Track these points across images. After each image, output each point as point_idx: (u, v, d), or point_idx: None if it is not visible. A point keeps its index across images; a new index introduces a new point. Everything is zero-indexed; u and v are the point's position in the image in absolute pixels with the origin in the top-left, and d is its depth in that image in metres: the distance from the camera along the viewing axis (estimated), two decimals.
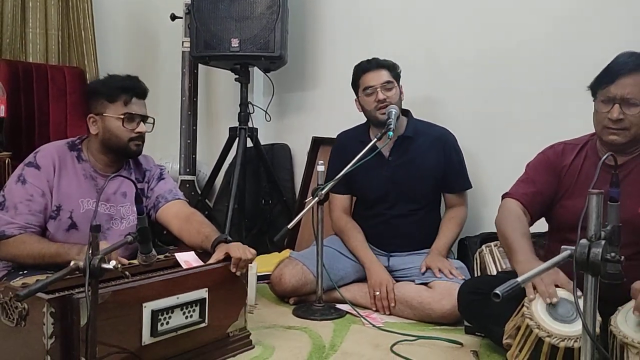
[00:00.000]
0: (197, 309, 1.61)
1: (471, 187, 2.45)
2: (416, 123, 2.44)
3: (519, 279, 1.03)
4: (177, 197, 2.02)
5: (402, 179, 2.37)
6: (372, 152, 2.15)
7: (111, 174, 1.91)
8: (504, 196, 1.92)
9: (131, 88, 1.89)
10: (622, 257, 1.12)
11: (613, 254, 1.10)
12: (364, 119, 2.52)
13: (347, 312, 2.20)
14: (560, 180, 1.83)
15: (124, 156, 1.95)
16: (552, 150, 1.88)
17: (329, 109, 3.14)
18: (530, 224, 1.85)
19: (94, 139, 1.91)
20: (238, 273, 1.72)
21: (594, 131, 1.78)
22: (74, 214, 1.85)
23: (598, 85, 1.69)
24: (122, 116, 1.86)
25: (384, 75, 2.33)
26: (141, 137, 1.92)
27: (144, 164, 2.05)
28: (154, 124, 1.96)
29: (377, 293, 2.21)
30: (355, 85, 2.41)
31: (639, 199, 1.64)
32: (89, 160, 1.92)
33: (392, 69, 2.37)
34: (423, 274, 2.21)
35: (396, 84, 2.36)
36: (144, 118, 1.91)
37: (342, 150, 2.45)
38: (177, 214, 1.96)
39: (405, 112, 2.45)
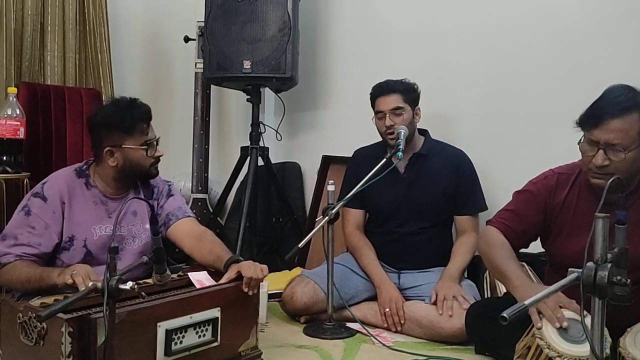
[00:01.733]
0: (210, 328, 1.62)
1: (486, 208, 2.44)
2: (432, 142, 2.48)
3: (526, 302, 1.05)
4: (187, 215, 2.03)
5: (415, 195, 2.40)
6: (384, 170, 2.18)
7: (121, 195, 1.93)
8: (488, 222, 1.88)
9: (146, 117, 1.89)
10: (629, 281, 1.13)
11: (619, 277, 1.12)
12: (374, 138, 2.57)
13: (358, 331, 2.22)
14: (552, 217, 1.77)
15: (142, 179, 1.98)
16: (544, 183, 1.80)
17: (339, 128, 3.18)
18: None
19: (108, 168, 1.89)
20: (250, 293, 1.75)
21: None
22: (87, 242, 1.86)
23: (584, 125, 1.62)
24: (144, 146, 1.88)
25: (394, 101, 2.37)
26: (159, 159, 1.95)
27: (152, 182, 2.05)
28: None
29: (387, 310, 2.23)
30: (372, 105, 2.46)
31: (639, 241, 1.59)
32: (98, 186, 1.92)
33: (406, 92, 2.39)
34: (434, 303, 2.19)
35: (408, 108, 2.38)
36: (157, 141, 1.94)
37: (358, 167, 2.48)
38: (188, 233, 1.97)
39: (423, 132, 2.49)
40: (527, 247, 1.89)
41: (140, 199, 1.88)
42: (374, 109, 2.44)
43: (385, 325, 2.23)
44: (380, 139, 2.51)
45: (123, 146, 1.86)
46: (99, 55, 3.08)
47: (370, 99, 2.46)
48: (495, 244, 1.77)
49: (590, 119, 1.60)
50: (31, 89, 2.81)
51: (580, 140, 1.65)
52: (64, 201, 1.85)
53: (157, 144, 1.94)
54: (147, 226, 1.96)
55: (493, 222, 1.86)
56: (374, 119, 2.45)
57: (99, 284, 1.25)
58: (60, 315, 1.32)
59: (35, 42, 2.94)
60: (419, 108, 2.45)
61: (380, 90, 2.41)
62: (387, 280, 2.32)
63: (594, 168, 1.60)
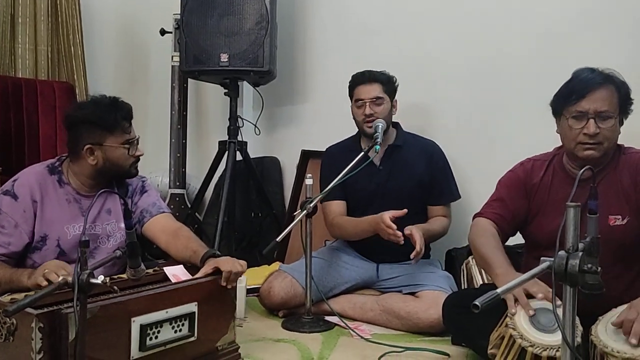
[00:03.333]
0: (187, 323, 1.61)
1: (459, 197, 2.48)
2: (405, 134, 2.50)
3: (498, 290, 1.05)
4: (162, 211, 2.00)
5: (391, 186, 2.41)
6: (363, 162, 2.18)
7: (94, 193, 1.86)
8: (475, 215, 1.93)
9: (128, 115, 1.86)
10: (600, 268, 1.15)
11: (590, 265, 1.13)
12: (352, 132, 2.57)
13: (336, 324, 2.22)
14: (531, 199, 1.83)
15: (120, 179, 1.94)
16: (522, 169, 1.88)
17: (318, 123, 3.17)
18: (503, 242, 1.86)
19: (86, 166, 1.85)
20: (229, 286, 1.73)
21: (560, 145, 1.79)
22: (61, 242, 1.83)
23: (566, 102, 1.69)
24: (126, 145, 1.85)
25: (374, 90, 2.38)
26: (139, 159, 1.93)
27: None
28: None
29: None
30: (350, 93, 2.47)
31: (608, 212, 1.67)
32: (71, 183, 1.88)
33: (386, 83, 2.41)
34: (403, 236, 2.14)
35: (388, 99, 2.40)
36: (137, 140, 1.91)
37: (334, 162, 2.46)
38: (164, 229, 1.95)
39: (395, 124, 2.51)
40: (515, 234, 1.92)
41: (111, 192, 1.84)
42: (352, 97, 2.45)
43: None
44: (353, 134, 2.52)
45: (104, 144, 1.83)
46: (72, 48, 3.03)
47: (350, 87, 2.46)
48: (484, 235, 1.82)
49: (574, 93, 1.67)
50: (2, 82, 2.76)
51: (567, 122, 1.69)
52: (35, 199, 1.81)
53: (138, 144, 1.91)
54: (122, 225, 1.93)
55: (482, 214, 1.90)
56: (352, 107, 2.45)
57: (70, 279, 1.23)
58: (30, 310, 1.30)
59: (5, 34, 2.88)
60: (396, 100, 2.47)
61: (362, 79, 2.42)
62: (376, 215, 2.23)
63: (584, 139, 1.66)
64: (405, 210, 2.16)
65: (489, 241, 1.78)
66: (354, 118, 2.45)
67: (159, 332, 1.54)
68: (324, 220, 2.49)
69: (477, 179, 2.59)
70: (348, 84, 2.48)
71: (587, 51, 2.32)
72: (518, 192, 1.85)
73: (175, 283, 1.70)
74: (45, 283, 1.55)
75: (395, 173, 2.42)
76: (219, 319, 1.74)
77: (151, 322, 1.51)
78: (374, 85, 2.39)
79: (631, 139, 1.79)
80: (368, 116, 2.35)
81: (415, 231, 2.14)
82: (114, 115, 1.83)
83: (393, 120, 2.50)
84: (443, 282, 2.25)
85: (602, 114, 1.64)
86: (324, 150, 2.66)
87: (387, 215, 2.14)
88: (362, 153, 2.22)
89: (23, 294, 1.53)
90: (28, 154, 2.80)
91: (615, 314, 1.49)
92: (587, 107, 1.64)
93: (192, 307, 1.62)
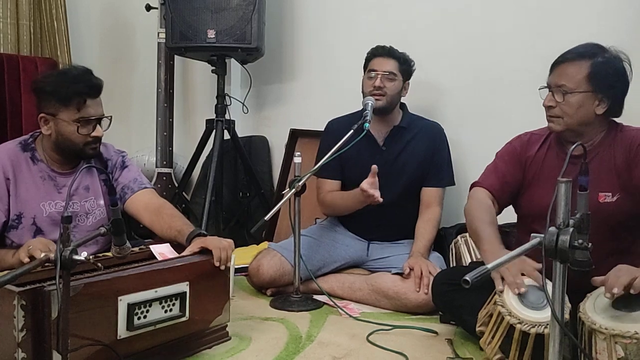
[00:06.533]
0: (178, 302, 1.59)
1: (454, 184, 2.46)
2: (410, 116, 2.48)
3: (489, 266, 1.05)
4: (143, 186, 1.95)
5: (394, 168, 2.39)
6: (357, 138, 2.14)
7: (69, 170, 1.85)
8: (473, 185, 1.94)
9: (85, 91, 1.76)
10: (590, 245, 1.15)
11: (581, 241, 1.13)
12: (342, 110, 2.53)
13: (324, 303, 2.22)
14: (525, 170, 1.85)
15: (79, 158, 1.87)
16: (519, 140, 1.91)
17: (307, 101, 3.14)
18: (498, 213, 1.89)
19: (47, 139, 1.81)
20: (222, 267, 1.70)
21: None
22: (37, 220, 1.80)
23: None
24: (76, 123, 1.76)
25: (389, 65, 2.36)
26: (97, 140, 1.83)
27: (105, 154, 1.95)
28: (110, 121, 1.85)
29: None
30: (365, 65, 2.45)
31: (598, 188, 1.67)
32: (44, 160, 1.83)
33: (403, 62, 2.40)
34: (408, 274, 2.17)
35: (400, 78, 2.38)
36: (99, 120, 1.81)
37: (332, 137, 2.38)
38: (146, 206, 1.91)
39: (402, 105, 2.49)
40: (510, 204, 1.94)
41: (94, 167, 1.80)
42: (366, 67, 2.42)
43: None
44: (354, 111, 2.47)
45: (57, 117, 1.76)
46: (55, 23, 2.96)
47: (366, 58, 2.44)
48: (479, 206, 1.85)
49: (551, 66, 1.72)
50: None
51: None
52: (8, 177, 1.77)
53: (100, 124, 1.82)
54: (101, 202, 1.91)
55: (478, 183, 1.93)
56: (363, 79, 2.42)
57: (52, 255, 1.20)
58: (12, 287, 1.28)
59: None
60: (408, 83, 2.45)
61: (380, 51, 2.40)
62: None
63: (546, 111, 1.72)
64: (375, 167, 2.14)
65: (484, 216, 1.80)
66: (363, 89, 2.42)
67: (147, 311, 1.52)
68: (316, 197, 2.47)
69: (469, 160, 2.58)
70: (365, 56, 2.44)
71: (579, 26, 2.30)
72: (514, 164, 1.88)
73: (164, 261, 1.67)
74: (27, 260, 1.52)
75: (399, 154, 2.40)
76: (212, 299, 1.71)
77: (139, 301, 1.49)
78: (390, 60, 2.37)
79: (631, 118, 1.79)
80: (377, 88, 2.32)
81: (417, 267, 2.15)
82: (71, 88, 1.74)
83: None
84: (434, 263, 2.24)
85: (560, 88, 1.67)
86: (314, 128, 2.62)
87: (364, 183, 2.14)
88: (352, 130, 2.19)
89: (5, 272, 1.51)
90: (10, 132, 2.75)
91: (603, 291, 1.49)
92: (550, 81, 1.71)
93: (183, 286, 1.60)
